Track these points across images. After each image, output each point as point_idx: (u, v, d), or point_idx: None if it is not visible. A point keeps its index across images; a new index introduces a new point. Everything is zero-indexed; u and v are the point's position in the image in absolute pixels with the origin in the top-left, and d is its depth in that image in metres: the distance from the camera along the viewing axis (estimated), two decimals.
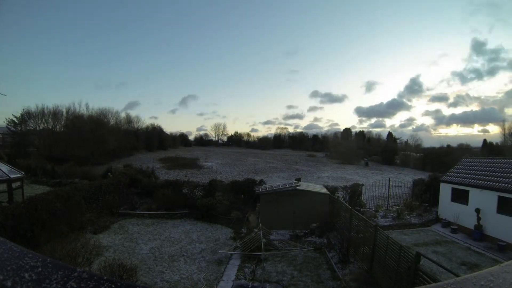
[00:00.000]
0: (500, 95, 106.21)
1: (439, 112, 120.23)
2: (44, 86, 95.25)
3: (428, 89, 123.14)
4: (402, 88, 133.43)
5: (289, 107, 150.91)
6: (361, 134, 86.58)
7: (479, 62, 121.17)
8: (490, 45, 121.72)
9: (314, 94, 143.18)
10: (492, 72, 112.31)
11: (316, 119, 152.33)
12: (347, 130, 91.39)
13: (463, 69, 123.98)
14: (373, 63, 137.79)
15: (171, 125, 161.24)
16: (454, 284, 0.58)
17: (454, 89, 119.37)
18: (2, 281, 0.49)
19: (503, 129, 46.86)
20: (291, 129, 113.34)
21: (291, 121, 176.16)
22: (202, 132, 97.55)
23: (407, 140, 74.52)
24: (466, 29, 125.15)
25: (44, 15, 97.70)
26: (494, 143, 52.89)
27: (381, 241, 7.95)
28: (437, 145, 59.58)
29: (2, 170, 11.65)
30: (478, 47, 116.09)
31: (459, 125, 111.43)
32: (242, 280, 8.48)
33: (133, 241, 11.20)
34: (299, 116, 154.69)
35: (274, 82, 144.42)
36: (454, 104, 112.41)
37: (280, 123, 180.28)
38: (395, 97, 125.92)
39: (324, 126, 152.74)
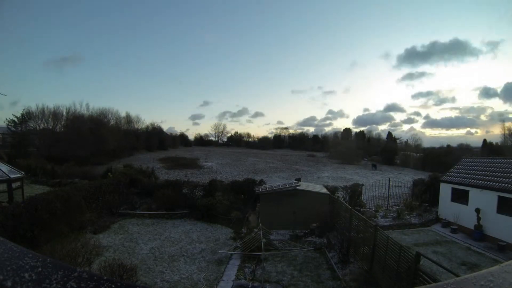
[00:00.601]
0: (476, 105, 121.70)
1: (419, 121, 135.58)
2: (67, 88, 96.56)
3: (402, 110, 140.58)
4: (386, 106, 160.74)
5: (312, 118, 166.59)
6: (361, 134, 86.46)
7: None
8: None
9: (330, 112, 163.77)
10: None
11: (323, 125, 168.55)
12: (347, 130, 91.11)
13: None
14: (368, 96, 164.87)
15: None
16: (454, 284, 0.58)
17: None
18: (2, 281, 0.48)
19: (503, 129, 47.02)
20: (292, 130, 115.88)
21: (304, 128, 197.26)
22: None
23: (407, 140, 74.70)
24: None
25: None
26: (494, 143, 53.00)
27: (381, 241, 7.95)
28: (430, 145, 60.01)
29: (2, 170, 11.66)
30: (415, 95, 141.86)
31: (442, 129, 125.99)
32: (242, 280, 8.48)
33: (133, 241, 11.20)
34: (312, 124, 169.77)
35: (308, 107, 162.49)
36: (427, 117, 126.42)
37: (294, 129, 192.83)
38: (382, 110, 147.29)
39: (327, 129, 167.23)
